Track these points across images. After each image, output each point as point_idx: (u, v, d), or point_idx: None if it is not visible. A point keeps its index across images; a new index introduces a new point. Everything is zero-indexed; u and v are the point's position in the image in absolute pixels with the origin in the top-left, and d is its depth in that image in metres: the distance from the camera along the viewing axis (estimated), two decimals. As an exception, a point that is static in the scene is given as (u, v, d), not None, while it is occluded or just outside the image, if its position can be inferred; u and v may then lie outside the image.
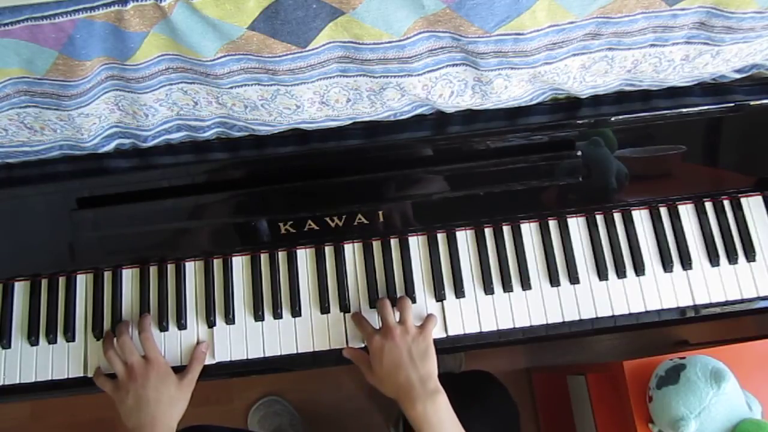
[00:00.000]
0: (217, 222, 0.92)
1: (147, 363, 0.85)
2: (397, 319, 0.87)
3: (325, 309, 0.92)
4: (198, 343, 0.91)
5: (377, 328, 0.87)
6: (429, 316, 0.89)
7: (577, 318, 0.91)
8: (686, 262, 0.92)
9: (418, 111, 0.88)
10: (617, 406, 0.95)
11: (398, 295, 0.92)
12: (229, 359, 0.91)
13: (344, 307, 0.92)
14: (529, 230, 0.94)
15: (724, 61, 0.81)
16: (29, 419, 1.56)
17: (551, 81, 0.80)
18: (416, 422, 0.77)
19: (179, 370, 0.89)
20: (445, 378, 0.85)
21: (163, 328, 0.92)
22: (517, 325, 0.91)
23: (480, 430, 0.93)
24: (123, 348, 0.86)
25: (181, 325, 0.92)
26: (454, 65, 0.76)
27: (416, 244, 0.94)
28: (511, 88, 0.81)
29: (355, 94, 0.79)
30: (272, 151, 0.89)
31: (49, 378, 0.91)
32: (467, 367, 1.52)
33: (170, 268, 0.94)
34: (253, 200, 0.90)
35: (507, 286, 0.92)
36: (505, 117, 0.88)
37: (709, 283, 0.92)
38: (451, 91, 0.80)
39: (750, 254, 0.92)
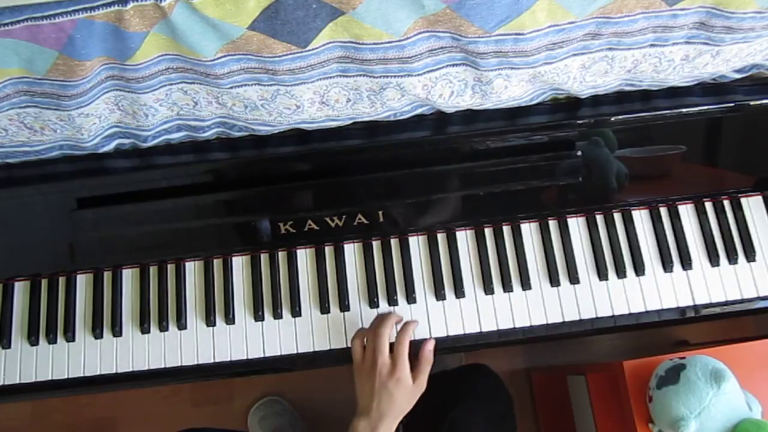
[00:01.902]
0: (217, 222, 0.92)
1: (392, 367, 0.83)
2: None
3: (325, 309, 0.92)
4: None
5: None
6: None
7: (577, 318, 0.91)
8: (686, 262, 0.92)
9: (418, 111, 0.88)
10: (617, 406, 0.95)
11: (398, 296, 0.92)
12: (229, 359, 0.91)
13: (344, 307, 0.92)
14: (529, 230, 0.94)
15: (724, 61, 0.81)
16: (29, 419, 1.56)
17: (551, 81, 0.80)
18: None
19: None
20: (440, 375, 0.85)
21: (163, 328, 0.92)
22: (517, 325, 0.91)
23: (473, 420, 0.93)
24: (378, 340, 0.84)
25: (181, 325, 0.92)
26: (454, 65, 0.76)
27: (416, 244, 0.94)
28: (511, 88, 0.81)
29: (355, 94, 0.79)
30: (272, 151, 0.89)
31: (49, 378, 0.91)
32: (467, 367, 1.52)
33: (170, 268, 0.94)
34: (253, 200, 0.90)
35: (507, 286, 0.92)
36: (505, 117, 0.88)
37: (709, 283, 0.92)
38: (451, 91, 0.80)
39: (750, 254, 0.92)
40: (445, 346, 0.90)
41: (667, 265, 0.92)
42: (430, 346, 0.87)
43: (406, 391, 0.84)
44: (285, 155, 0.89)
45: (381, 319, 0.87)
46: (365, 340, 0.86)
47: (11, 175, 0.89)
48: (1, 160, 0.88)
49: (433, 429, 0.93)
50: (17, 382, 0.91)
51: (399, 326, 0.88)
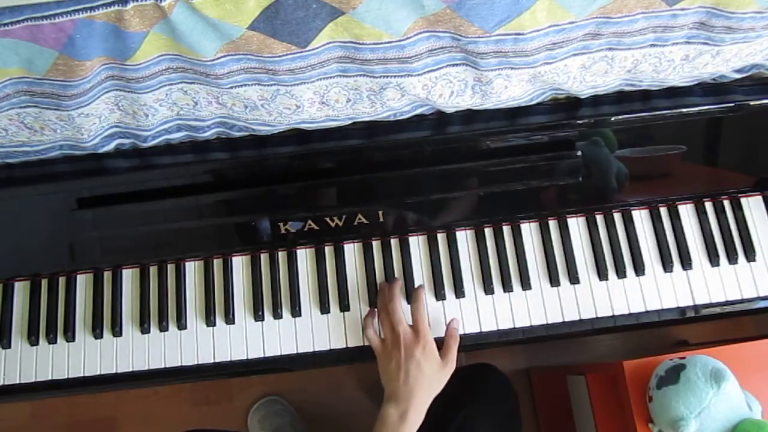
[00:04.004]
0: (217, 222, 0.92)
1: (414, 336, 0.83)
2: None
3: (325, 309, 0.92)
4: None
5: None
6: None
7: (577, 318, 0.91)
8: (686, 262, 0.92)
9: (418, 111, 0.88)
10: (617, 406, 0.95)
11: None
12: (229, 359, 0.91)
13: (344, 307, 0.92)
14: (529, 230, 0.94)
15: (724, 61, 0.81)
16: (29, 419, 1.56)
17: (551, 81, 0.80)
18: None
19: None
20: None
21: (163, 328, 0.92)
22: (517, 325, 0.91)
23: (483, 419, 0.93)
24: (392, 314, 0.84)
25: (181, 325, 0.92)
26: (454, 65, 0.76)
27: (416, 244, 0.94)
28: (511, 88, 0.81)
29: (355, 94, 0.79)
30: (272, 151, 0.89)
31: (49, 378, 0.91)
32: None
33: (170, 268, 0.94)
34: (253, 200, 0.90)
35: (507, 286, 0.92)
36: (505, 117, 0.88)
37: (709, 283, 0.92)
38: (451, 91, 0.80)
39: (750, 254, 0.92)
40: (445, 346, 0.90)
41: (667, 265, 0.92)
42: (455, 324, 0.87)
43: (434, 361, 0.82)
44: (285, 155, 0.88)
45: (386, 293, 0.87)
46: (375, 323, 0.87)
47: (11, 175, 0.89)
48: (1, 160, 0.88)
49: (442, 429, 0.93)
50: (17, 382, 0.91)
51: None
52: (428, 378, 0.81)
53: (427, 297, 0.92)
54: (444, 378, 0.83)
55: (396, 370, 0.81)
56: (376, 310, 0.90)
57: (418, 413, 0.79)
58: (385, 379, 0.83)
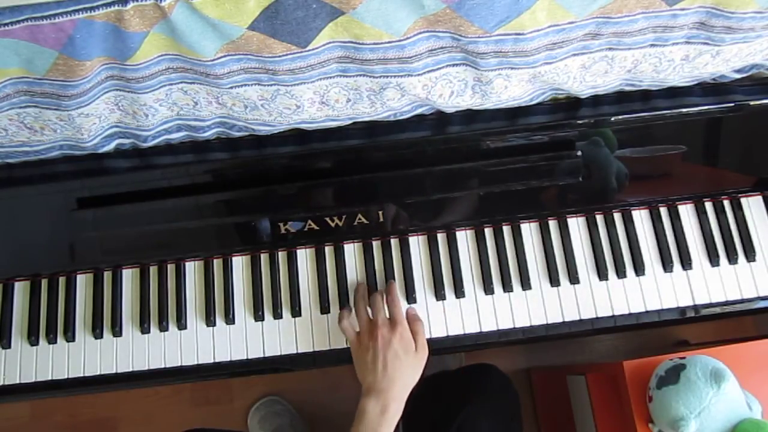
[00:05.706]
0: (217, 222, 0.92)
1: (392, 326, 0.83)
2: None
3: (325, 309, 0.92)
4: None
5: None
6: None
7: (577, 318, 0.91)
8: (686, 262, 0.92)
9: (418, 111, 0.88)
10: (617, 406, 0.95)
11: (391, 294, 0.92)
12: (229, 359, 0.91)
13: (344, 307, 0.92)
14: (529, 230, 0.94)
15: (724, 61, 0.81)
16: (29, 419, 1.56)
17: (551, 81, 0.80)
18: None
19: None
20: (446, 375, 0.85)
21: (163, 328, 0.92)
22: (517, 325, 0.91)
23: (484, 420, 0.93)
24: (374, 304, 0.85)
25: (181, 325, 0.92)
26: (454, 65, 0.76)
27: (416, 244, 0.94)
28: (511, 88, 0.81)
29: (355, 94, 0.79)
30: (272, 151, 0.89)
31: (49, 378, 0.91)
32: (467, 367, 1.52)
33: (170, 268, 0.94)
34: (253, 200, 0.90)
35: (507, 286, 0.92)
36: (505, 117, 0.88)
37: (709, 283, 0.92)
38: (451, 91, 0.80)
39: (750, 254, 0.92)
40: (445, 346, 0.90)
41: (667, 265, 0.92)
42: (412, 310, 0.89)
43: (411, 350, 0.82)
44: (285, 155, 0.89)
45: (367, 289, 0.89)
46: (352, 317, 0.88)
47: (11, 175, 0.89)
48: (1, 160, 0.88)
49: (442, 429, 0.93)
50: (17, 382, 0.91)
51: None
52: (405, 367, 0.80)
53: (427, 297, 0.92)
54: (419, 366, 0.82)
55: (373, 361, 0.80)
56: (352, 306, 0.90)
57: (398, 405, 0.78)
58: (362, 372, 0.82)
